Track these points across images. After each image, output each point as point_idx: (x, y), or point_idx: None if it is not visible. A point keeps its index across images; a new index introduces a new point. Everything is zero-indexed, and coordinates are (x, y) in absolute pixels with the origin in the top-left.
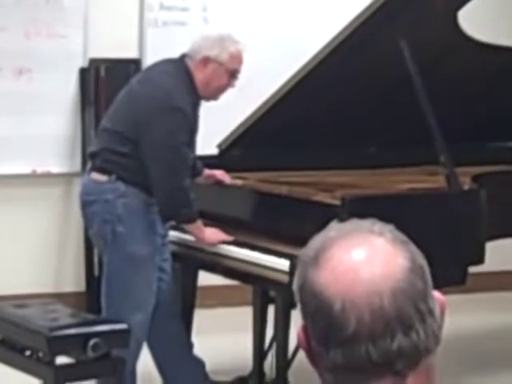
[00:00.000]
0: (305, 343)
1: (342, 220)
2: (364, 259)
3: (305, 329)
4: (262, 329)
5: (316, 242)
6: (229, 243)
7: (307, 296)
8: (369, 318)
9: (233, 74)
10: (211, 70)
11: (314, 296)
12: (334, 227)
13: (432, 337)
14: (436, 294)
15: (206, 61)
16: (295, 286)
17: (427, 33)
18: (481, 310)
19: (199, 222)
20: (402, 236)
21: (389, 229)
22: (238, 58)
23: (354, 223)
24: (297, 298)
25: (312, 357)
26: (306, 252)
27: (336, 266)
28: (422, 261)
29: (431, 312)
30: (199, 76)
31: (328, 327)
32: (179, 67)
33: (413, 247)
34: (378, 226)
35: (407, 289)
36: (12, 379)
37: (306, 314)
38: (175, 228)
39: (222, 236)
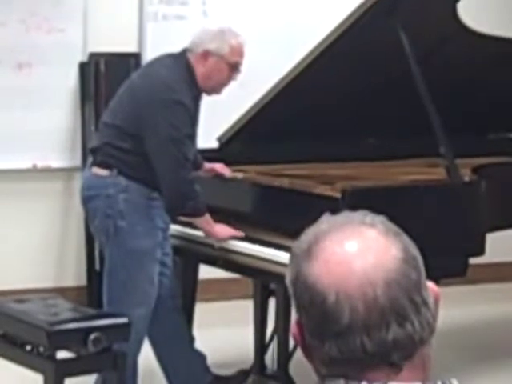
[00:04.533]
0: (299, 337)
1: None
2: (357, 251)
3: (299, 323)
4: (262, 322)
5: (308, 235)
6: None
7: (300, 289)
8: (363, 309)
9: (234, 67)
10: (212, 63)
11: (307, 289)
12: (325, 220)
13: (427, 327)
14: (430, 284)
15: (206, 54)
16: (288, 280)
17: (427, 24)
18: (482, 301)
19: (207, 216)
20: (394, 227)
21: (381, 220)
22: (238, 51)
23: (345, 215)
24: (290, 291)
25: (307, 351)
26: (298, 245)
27: (329, 258)
28: (415, 251)
29: (425, 303)
30: (200, 70)
31: (322, 319)
32: (180, 61)
33: (405, 238)
34: (369, 217)
35: (401, 279)
36: (13, 374)
37: (299, 308)
38: (176, 222)
39: (233, 231)
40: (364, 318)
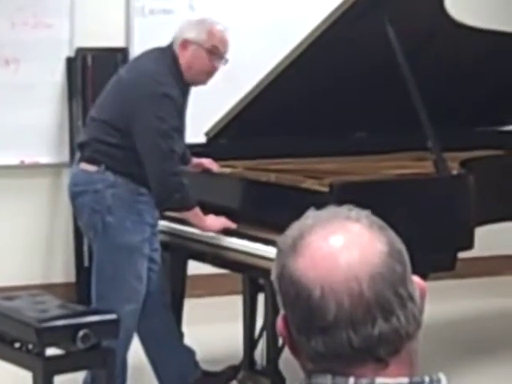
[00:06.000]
0: (285, 333)
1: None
2: (342, 245)
3: (284, 318)
4: (251, 317)
5: (293, 230)
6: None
7: (286, 284)
8: (348, 304)
9: (212, 53)
10: (191, 51)
11: (292, 284)
12: (310, 215)
13: (413, 322)
14: (415, 278)
15: (185, 43)
16: (274, 275)
17: (414, 17)
18: (471, 296)
19: (197, 210)
20: (379, 221)
21: (365, 214)
22: (216, 36)
23: (330, 210)
24: (276, 286)
25: (293, 346)
26: (283, 240)
27: (314, 253)
28: (400, 245)
29: (411, 297)
30: (182, 60)
31: (308, 314)
32: (166, 54)
33: (390, 232)
34: (354, 212)
35: (386, 273)
36: (1, 371)
37: (285, 303)
38: (165, 217)
39: (224, 221)
40: (350, 313)
